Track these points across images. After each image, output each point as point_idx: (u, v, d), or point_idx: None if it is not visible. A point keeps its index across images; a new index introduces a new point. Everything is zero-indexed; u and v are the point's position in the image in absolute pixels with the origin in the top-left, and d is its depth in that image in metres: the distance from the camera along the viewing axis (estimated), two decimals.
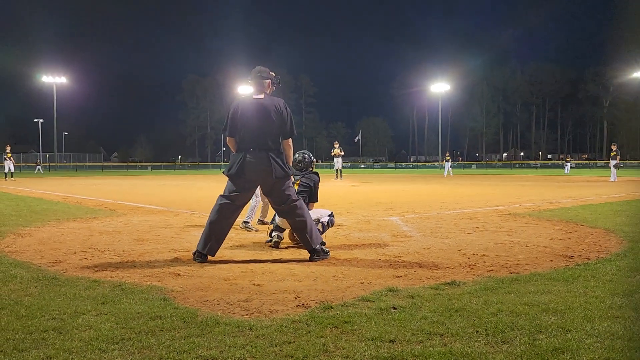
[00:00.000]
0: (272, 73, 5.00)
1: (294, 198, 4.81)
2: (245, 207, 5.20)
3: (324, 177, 5.85)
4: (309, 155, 6.01)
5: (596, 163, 72.76)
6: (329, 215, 5.83)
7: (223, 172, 4.87)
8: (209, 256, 4.68)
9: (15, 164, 27.99)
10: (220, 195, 4.81)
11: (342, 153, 26.05)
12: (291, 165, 4.94)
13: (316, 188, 5.85)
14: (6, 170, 26.77)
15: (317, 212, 5.78)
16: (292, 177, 4.91)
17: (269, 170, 4.63)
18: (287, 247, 5.48)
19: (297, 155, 5.96)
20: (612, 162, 23.12)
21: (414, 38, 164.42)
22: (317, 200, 5.89)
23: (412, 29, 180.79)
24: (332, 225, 5.87)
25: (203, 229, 4.77)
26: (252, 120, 4.70)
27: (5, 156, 27.15)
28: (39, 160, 53.48)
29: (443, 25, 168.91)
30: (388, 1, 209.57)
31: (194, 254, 4.72)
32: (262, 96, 4.80)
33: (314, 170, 6.01)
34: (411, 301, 3.25)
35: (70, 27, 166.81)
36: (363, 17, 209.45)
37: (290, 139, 4.89)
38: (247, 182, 4.74)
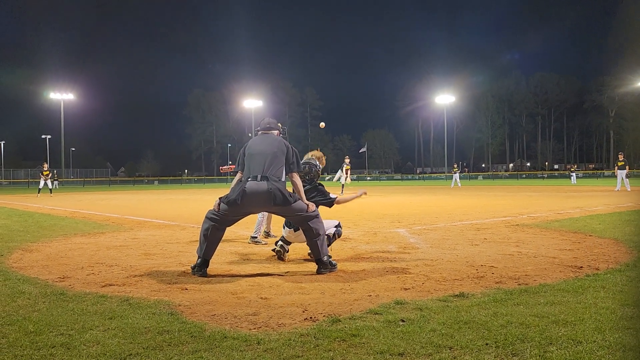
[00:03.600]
0: (279, 124, 5.33)
1: (307, 213, 4.81)
2: (251, 221, 5.21)
3: (328, 190, 5.82)
4: (315, 166, 5.78)
5: (603, 173, 72.29)
6: (335, 227, 5.75)
7: (221, 199, 4.77)
8: (210, 265, 4.76)
9: (52, 180, 28.23)
10: (212, 211, 4.82)
11: (348, 167, 25.40)
12: (302, 196, 4.95)
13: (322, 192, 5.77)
14: (41, 186, 27.03)
15: (325, 223, 5.74)
16: (297, 201, 4.86)
17: (269, 197, 4.63)
18: (294, 261, 5.47)
19: (302, 166, 5.90)
20: (623, 173, 22.85)
21: (418, 51, 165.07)
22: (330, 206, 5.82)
23: (416, 43, 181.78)
24: (339, 236, 5.77)
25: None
26: (257, 148, 4.90)
27: (41, 173, 27.49)
28: (56, 176, 54.31)
29: (446, 39, 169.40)
30: (391, 16, 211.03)
31: (193, 268, 4.75)
32: (268, 132, 5.13)
33: (319, 182, 5.87)
34: (419, 313, 3.23)
35: (78, 44, 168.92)
36: (367, 30, 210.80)
37: (296, 174, 4.99)
38: (242, 209, 4.75)
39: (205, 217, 4.82)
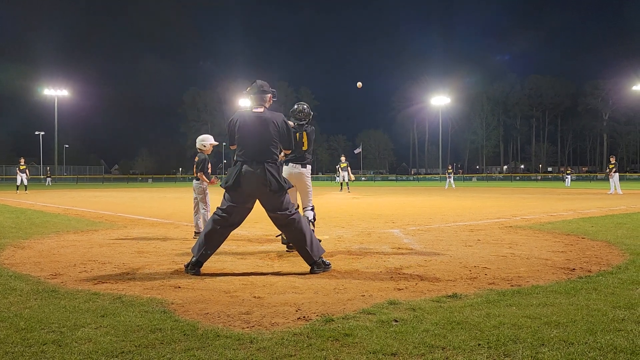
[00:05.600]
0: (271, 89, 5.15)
1: (291, 211, 4.80)
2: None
3: (324, 190, 5.97)
4: (307, 107, 6.31)
5: (596, 176, 72.71)
6: (311, 209, 6.13)
7: (220, 185, 4.89)
8: (204, 264, 4.75)
9: (28, 177, 27.78)
10: (217, 208, 4.82)
11: (345, 164, 25.73)
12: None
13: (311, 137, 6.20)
14: (18, 183, 26.65)
15: (310, 188, 6.13)
16: (288, 190, 4.89)
17: (265, 182, 4.64)
18: (288, 260, 5.46)
19: (295, 106, 6.28)
20: (616, 175, 22.95)
21: (414, 52, 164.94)
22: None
23: (411, 44, 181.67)
24: (314, 220, 6.15)
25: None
26: (251, 133, 4.76)
27: (17, 168, 27.17)
28: (49, 173, 53.93)
29: (442, 41, 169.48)
30: (387, 17, 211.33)
31: (186, 266, 4.73)
32: (261, 110, 4.88)
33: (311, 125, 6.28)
34: (412, 314, 3.24)
35: (72, 40, 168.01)
36: (363, 31, 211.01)
37: (289, 151, 5.00)
38: (243, 194, 4.73)
39: (211, 218, 4.79)
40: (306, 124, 6.21)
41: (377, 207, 14.29)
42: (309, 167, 6.22)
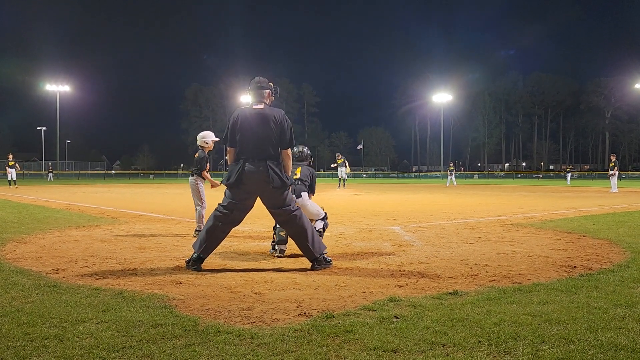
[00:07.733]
0: (271, 83, 5.07)
1: (293, 208, 4.80)
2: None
3: (325, 187, 5.96)
4: (307, 149, 6.24)
5: (598, 174, 72.56)
6: (322, 219, 5.93)
7: (221, 182, 4.88)
8: (205, 260, 4.75)
9: (17, 172, 27.80)
10: (219, 204, 4.82)
11: (344, 162, 26.17)
12: (289, 175, 4.94)
13: (314, 180, 6.09)
14: (15, 178, 26.72)
15: (315, 207, 5.91)
16: (290, 186, 4.89)
17: (267, 179, 4.64)
18: (289, 256, 5.47)
19: (294, 150, 6.11)
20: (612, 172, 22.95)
21: (416, 49, 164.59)
22: (314, 193, 6.10)
23: (413, 40, 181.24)
24: (326, 228, 6.00)
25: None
26: (252, 130, 4.74)
27: (7, 165, 27.16)
28: (50, 168, 54.00)
29: (444, 37, 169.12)
30: (388, 13, 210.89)
31: (187, 262, 4.73)
32: (261, 106, 4.84)
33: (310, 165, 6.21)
34: (413, 311, 3.24)
35: (74, 36, 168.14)
36: (364, 27, 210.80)
37: (289, 149, 4.92)
38: (245, 192, 4.73)
39: (212, 215, 4.79)
40: (305, 164, 6.12)
41: (378, 204, 14.29)
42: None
